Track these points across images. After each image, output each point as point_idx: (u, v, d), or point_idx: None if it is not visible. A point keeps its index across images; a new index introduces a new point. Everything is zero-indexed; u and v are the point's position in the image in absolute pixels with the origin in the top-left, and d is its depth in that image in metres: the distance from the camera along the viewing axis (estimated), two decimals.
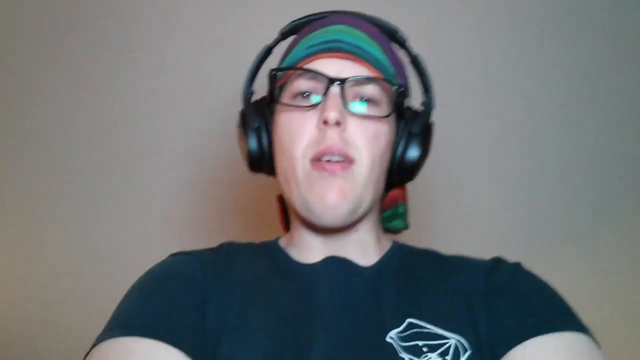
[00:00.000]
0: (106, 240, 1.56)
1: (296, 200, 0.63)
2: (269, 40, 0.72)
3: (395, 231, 0.76)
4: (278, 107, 0.67)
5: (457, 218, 1.53)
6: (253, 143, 0.66)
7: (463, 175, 1.52)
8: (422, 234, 1.53)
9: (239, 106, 0.73)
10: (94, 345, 0.54)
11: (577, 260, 1.57)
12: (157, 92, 1.52)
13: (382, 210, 0.73)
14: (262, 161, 0.67)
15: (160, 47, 1.49)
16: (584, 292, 1.56)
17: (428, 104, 0.69)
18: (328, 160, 0.61)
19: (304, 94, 0.64)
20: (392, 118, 0.65)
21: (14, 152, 1.56)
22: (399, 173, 0.67)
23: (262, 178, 0.74)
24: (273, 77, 0.65)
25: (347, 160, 0.61)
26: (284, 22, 0.73)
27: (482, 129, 1.51)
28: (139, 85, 1.51)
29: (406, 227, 0.75)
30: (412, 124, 0.67)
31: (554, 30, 1.47)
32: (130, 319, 0.55)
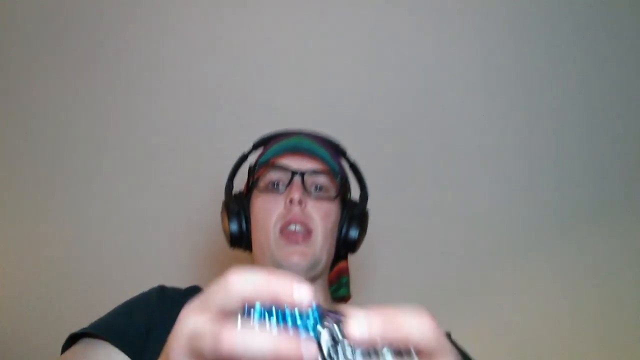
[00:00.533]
0: (103, 240, 1.56)
1: (268, 260, 0.82)
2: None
3: (341, 299, 0.94)
4: (255, 193, 0.89)
5: (457, 217, 1.53)
6: (234, 225, 0.86)
7: (463, 175, 1.52)
8: (424, 235, 1.53)
9: None
10: (70, 336, 0.75)
11: (575, 260, 1.58)
12: (155, 91, 1.52)
13: (330, 283, 0.92)
14: (241, 239, 0.87)
15: (159, 45, 1.50)
16: (580, 291, 1.57)
17: (363, 197, 0.91)
18: (293, 230, 0.82)
19: (274, 184, 0.87)
20: (337, 203, 0.88)
21: (11, 153, 1.56)
22: (344, 246, 0.88)
23: None
24: (252, 169, 0.92)
25: (307, 231, 0.82)
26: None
27: (481, 129, 1.52)
28: (137, 84, 1.51)
29: (349, 296, 0.95)
30: (353, 210, 0.89)
31: (555, 30, 1.47)
32: (99, 322, 0.76)
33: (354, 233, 0.86)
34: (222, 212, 0.89)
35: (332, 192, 0.88)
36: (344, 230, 0.87)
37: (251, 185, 0.90)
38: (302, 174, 0.84)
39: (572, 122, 1.53)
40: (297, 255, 0.79)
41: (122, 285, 1.55)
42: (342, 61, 1.50)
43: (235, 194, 0.91)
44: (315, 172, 0.86)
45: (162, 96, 1.52)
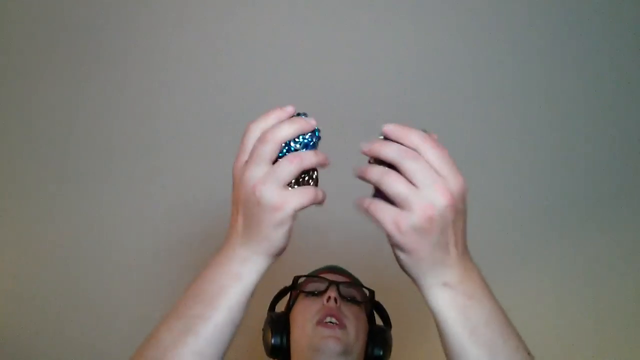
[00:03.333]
0: (96, 242, 1.56)
1: (304, 349, 0.90)
2: None
3: None
4: (297, 302, 1.00)
5: None
6: (277, 339, 0.95)
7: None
8: None
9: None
10: None
11: (572, 260, 1.58)
12: (156, 91, 1.52)
13: None
14: (280, 350, 0.95)
15: (161, 44, 1.50)
16: (577, 291, 1.57)
17: (388, 325, 1.03)
18: (329, 322, 0.90)
19: (314, 292, 0.98)
20: (366, 317, 0.99)
21: (5, 153, 1.56)
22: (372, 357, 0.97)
23: None
24: (294, 282, 1.03)
25: (341, 324, 0.91)
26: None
27: (480, 131, 1.52)
28: (136, 85, 1.51)
29: None
30: (379, 332, 0.99)
31: (555, 30, 1.47)
32: None
33: (378, 351, 0.95)
34: (264, 328, 0.99)
35: (362, 300, 1.00)
36: (369, 349, 0.95)
37: (292, 300, 1.02)
38: (338, 284, 0.97)
39: (572, 122, 1.53)
40: (333, 339, 0.88)
41: (112, 288, 1.57)
42: (348, 62, 1.50)
43: (276, 313, 1.02)
44: (348, 284, 0.99)
45: (165, 93, 1.52)
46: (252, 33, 1.49)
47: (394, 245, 0.51)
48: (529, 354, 0.54)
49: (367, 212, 0.52)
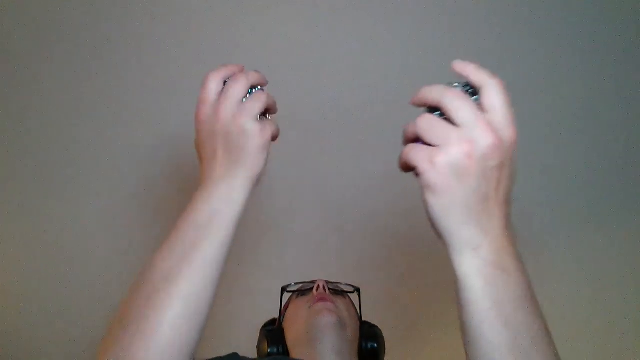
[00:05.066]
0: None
1: (300, 336, 0.88)
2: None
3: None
4: (290, 302, 1.02)
5: None
6: (274, 349, 0.92)
7: None
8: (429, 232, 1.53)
9: None
10: None
11: (571, 259, 1.58)
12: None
13: None
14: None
15: (158, 42, 1.50)
16: (576, 292, 1.58)
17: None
18: (321, 299, 0.92)
19: (303, 292, 1.00)
20: (354, 310, 1.00)
21: (8, 151, 1.55)
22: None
23: None
24: (283, 290, 1.04)
25: (334, 305, 0.91)
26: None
27: None
28: (131, 82, 1.51)
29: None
30: (372, 330, 0.98)
31: (555, 31, 1.48)
32: None
33: (372, 343, 0.94)
34: (259, 343, 0.98)
35: (349, 292, 1.03)
36: (363, 343, 0.93)
37: (284, 311, 1.02)
38: (325, 281, 0.99)
39: (571, 122, 1.53)
40: (326, 311, 0.88)
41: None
42: (348, 62, 1.50)
43: (269, 327, 1.03)
44: (335, 283, 1.02)
45: (162, 97, 1.52)
46: (251, 33, 1.50)
47: (426, 187, 0.46)
48: (555, 355, 0.48)
49: (404, 165, 0.49)
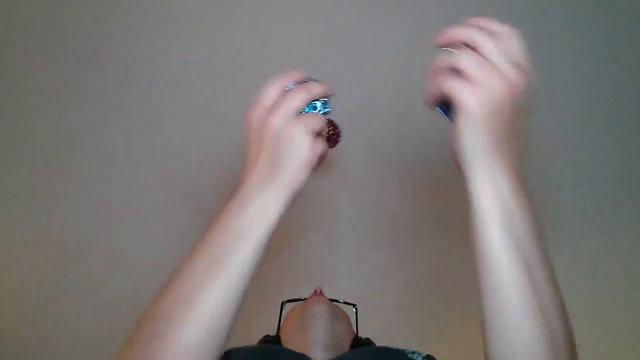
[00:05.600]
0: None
1: (296, 332, 0.88)
2: None
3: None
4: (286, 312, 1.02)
5: (455, 216, 1.54)
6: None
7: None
8: (433, 231, 1.53)
9: None
10: None
11: (570, 260, 1.58)
12: (151, 93, 1.52)
13: None
14: None
15: (158, 44, 1.50)
16: (576, 292, 1.58)
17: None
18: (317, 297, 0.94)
19: (300, 299, 1.02)
20: (349, 321, 0.98)
21: (9, 151, 1.56)
22: None
23: None
24: (283, 304, 1.05)
25: (328, 301, 0.94)
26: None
27: None
28: (132, 85, 1.52)
29: None
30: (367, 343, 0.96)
31: (556, 31, 1.48)
32: None
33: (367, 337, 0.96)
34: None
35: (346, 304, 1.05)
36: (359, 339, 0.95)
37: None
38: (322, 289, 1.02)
39: (572, 122, 1.53)
40: (319, 302, 0.92)
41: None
42: (350, 64, 1.51)
43: (266, 337, 1.02)
44: (333, 299, 1.02)
45: (163, 95, 1.52)
46: (251, 33, 1.50)
47: (466, 117, 0.50)
48: (563, 308, 0.53)
49: (438, 96, 0.51)
